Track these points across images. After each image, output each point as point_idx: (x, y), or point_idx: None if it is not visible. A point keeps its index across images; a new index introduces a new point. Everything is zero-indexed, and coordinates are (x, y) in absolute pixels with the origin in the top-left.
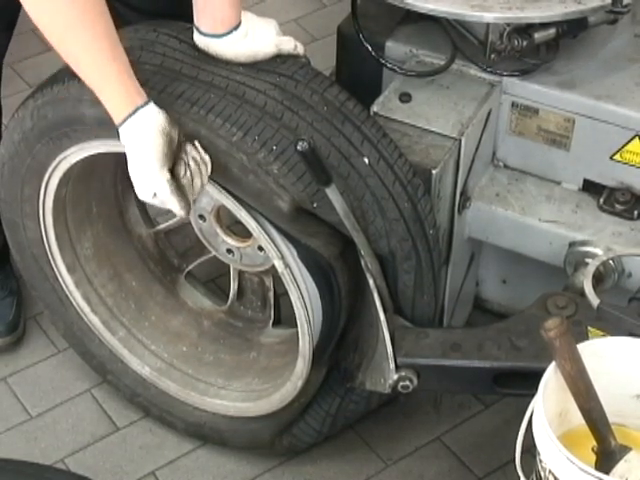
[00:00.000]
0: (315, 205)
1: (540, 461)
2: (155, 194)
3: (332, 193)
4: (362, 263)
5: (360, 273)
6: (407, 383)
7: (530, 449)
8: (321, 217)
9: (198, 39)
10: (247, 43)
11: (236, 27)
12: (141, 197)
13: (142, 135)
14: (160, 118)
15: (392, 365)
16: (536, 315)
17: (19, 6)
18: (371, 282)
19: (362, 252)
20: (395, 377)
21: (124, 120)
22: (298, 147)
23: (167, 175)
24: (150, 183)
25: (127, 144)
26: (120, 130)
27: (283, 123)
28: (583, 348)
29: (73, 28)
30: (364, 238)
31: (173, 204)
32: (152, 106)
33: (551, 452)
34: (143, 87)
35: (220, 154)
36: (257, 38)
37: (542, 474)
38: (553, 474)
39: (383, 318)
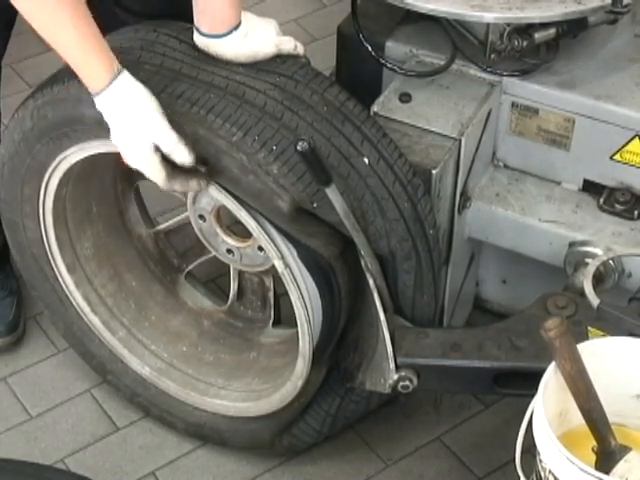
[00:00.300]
0: (315, 205)
1: (540, 461)
2: (157, 146)
3: (332, 193)
4: (362, 263)
5: (360, 273)
6: (407, 383)
7: (530, 449)
8: (321, 217)
9: (198, 40)
10: (247, 43)
11: (236, 27)
12: (135, 156)
13: (135, 89)
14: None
15: (392, 365)
16: (536, 315)
17: None
18: (371, 282)
19: (362, 252)
20: (395, 377)
21: (112, 80)
22: (298, 147)
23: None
24: (151, 134)
25: (116, 101)
26: (107, 91)
27: (283, 123)
28: (583, 348)
29: (49, 11)
30: (364, 238)
31: (181, 151)
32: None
33: (551, 452)
34: None
35: (220, 154)
36: (257, 38)
37: (542, 474)
38: (553, 474)
39: (383, 318)
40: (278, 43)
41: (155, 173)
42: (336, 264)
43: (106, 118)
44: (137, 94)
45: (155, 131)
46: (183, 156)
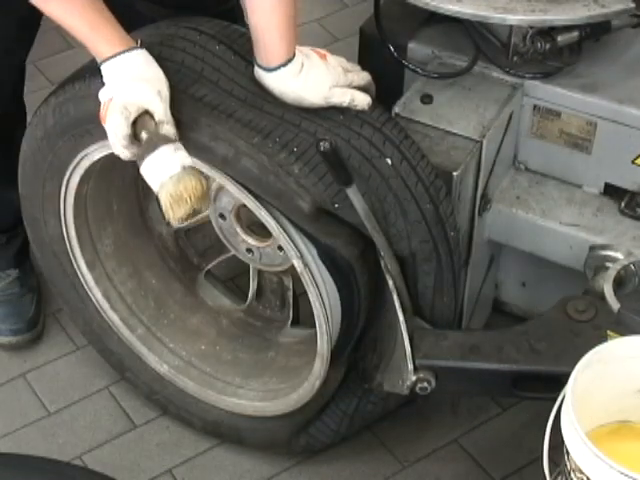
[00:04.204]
0: (336, 206)
1: (567, 460)
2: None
3: (353, 194)
4: (382, 264)
5: (380, 274)
6: (425, 385)
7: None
8: (342, 218)
9: (255, 70)
10: (296, 85)
11: (285, 63)
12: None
13: (150, 61)
14: None
15: (410, 366)
16: (556, 319)
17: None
18: (391, 283)
19: (382, 253)
20: (413, 378)
21: (128, 50)
22: (320, 147)
23: None
24: (143, 98)
25: (129, 62)
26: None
27: (302, 129)
28: (590, 357)
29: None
30: (384, 239)
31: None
32: None
33: (580, 450)
34: None
35: (240, 155)
36: (308, 84)
37: (569, 468)
38: (583, 473)
39: (402, 319)
40: (328, 96)
41: (123, 129)
42: (356, 264)
43: (110, 74)
44: (151, 63)
45: (148, 97)
46: (170, 131)
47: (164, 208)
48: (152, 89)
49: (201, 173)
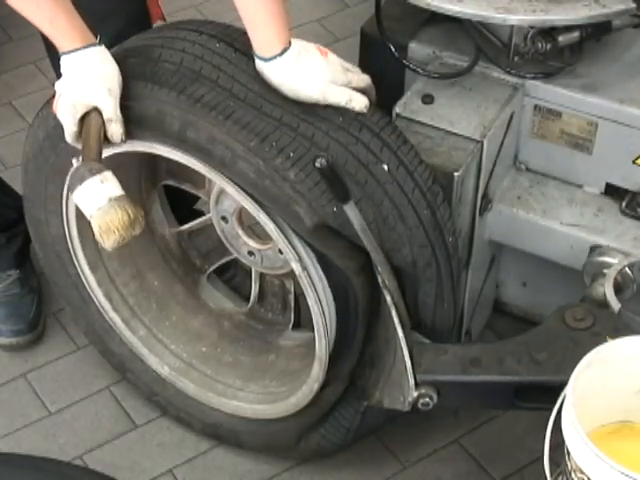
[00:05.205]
0: (335, 209)
1: (568, 460)
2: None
3: (350, 210)
4: (379, 280)
5: (377, 286)
6: (427, 400)
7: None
8: (339, 230)
9: (255, 62)
10: (293, 73)
11: (282, 53)
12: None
13: (107, 57)
14: None
15: (412, 382)
16: (554, 328)
17: None
18: (388, 299)
19: (379, 269)
20: (415, 394)
21: (86, 46)
22: (317, 164)
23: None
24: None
25: (83, 58)
26: (79, 51)
27: (300, 132)
28: (591, 357)
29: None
30: (381, 254)
31: (116, 127)
32: None
33: (581, 450)
34: (161, 88)
35: (236, 158)
36: (305, 74)
37: (570, 468)
38: (584, 473)
39: (401, 334)
40: (326, 91)
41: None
42: (356, 280)
43: (66, 68)
44: (106, 60)
45: (100, 95)
46: (117, 131)
47: (96, 237)
48: (103, 86)
49: (130, 202)
